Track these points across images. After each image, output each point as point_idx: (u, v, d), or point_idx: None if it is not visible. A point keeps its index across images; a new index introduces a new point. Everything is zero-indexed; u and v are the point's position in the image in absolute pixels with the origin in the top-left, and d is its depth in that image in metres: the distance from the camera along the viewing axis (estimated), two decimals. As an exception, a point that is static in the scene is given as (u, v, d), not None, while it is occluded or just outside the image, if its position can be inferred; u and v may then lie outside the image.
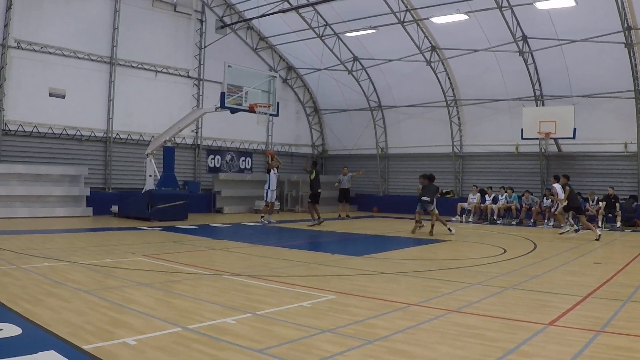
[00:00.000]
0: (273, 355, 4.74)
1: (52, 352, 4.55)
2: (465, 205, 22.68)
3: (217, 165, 26.04)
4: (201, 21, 24.91)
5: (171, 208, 19.00)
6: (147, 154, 20.31)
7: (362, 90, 27.54)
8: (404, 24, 22.64)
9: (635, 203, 20.56)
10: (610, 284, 8.61)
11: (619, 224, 19.56)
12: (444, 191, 25.90)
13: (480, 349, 5.06)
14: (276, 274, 8.94)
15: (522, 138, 22.21)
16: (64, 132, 20.59)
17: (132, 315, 5.93)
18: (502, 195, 22.09)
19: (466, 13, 20.79)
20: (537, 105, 23.02)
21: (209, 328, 5.52)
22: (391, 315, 6.32)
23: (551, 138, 21.87)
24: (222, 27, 25.10)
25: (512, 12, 20.60)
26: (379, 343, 5.19)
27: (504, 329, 5.80)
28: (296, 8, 23.24)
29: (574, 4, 18.53)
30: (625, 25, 18.96)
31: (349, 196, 24.05)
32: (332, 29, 25.04)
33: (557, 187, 16.93)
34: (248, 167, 26.82)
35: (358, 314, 6.27)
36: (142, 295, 7.09)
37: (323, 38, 25.40)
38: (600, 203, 19.83)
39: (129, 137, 22.43)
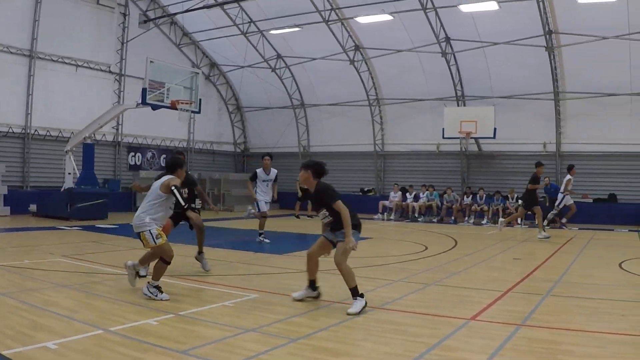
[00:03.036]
0: (197, 355, 4.78)
1: (-31, 359, 4.47)
2: (386, 203, 23.15)
3: (138, 163, 25.57)
4: (124, 15, 24.29)
5: (91, 207, 18.52)
6: (66, 151, 19.73)
7: (285, 88, 27.63)
8: (329, 22, 22.90)
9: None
10: (530, 279, 9.01)
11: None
12: (365, 189, 26.39)
13: (405, 345, 5.23)
14: (198, 273, 8.93)
15: (444, 137, 22.87)
16: (-22, 128, 19.70)
17: (52, 318, 5.85)
18: (423, 194, 22.69)
19: (391, 14, 21.21)
20: (458, 106, 23.79)
21: (131, 329, 5.51)
22: (315, 314, 6.46)
23: (472, 137, 22.64)
24: (145, 22, 24.56)
25: (437, 14, 21.23)
26: (304, 341, 5.29)
27: (427, 324, 5.99)
28: (221, 4, 23.02)
29: (497, 7, 19.28)
30: (547, 29, 19.91)
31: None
32: (257, 26, 25.03)
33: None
34: (170, 164, 26.32)
35: (282, 313, 6.36)
36: (63, 297, 6.99)
37: (247, 35, 25.35)
38: (520, 201, 20.59)
39: (48, 133, 21.69)
